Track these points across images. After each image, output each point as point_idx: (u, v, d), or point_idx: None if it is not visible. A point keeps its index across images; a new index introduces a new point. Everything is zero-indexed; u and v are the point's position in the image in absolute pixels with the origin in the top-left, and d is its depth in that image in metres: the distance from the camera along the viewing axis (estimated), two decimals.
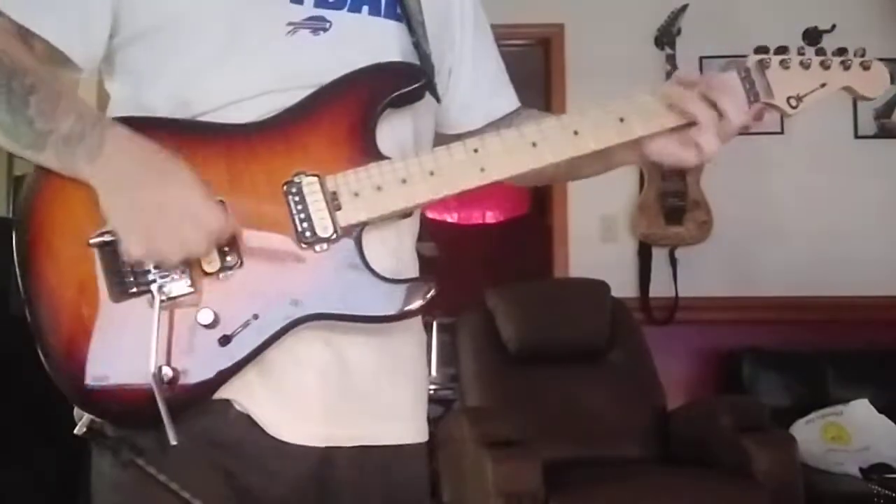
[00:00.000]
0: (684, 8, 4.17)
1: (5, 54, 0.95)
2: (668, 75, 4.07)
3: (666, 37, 4.20)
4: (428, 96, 1.08)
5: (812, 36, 3.95)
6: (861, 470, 3.28)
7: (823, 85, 1.10)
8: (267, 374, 0.98)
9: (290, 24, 1.03)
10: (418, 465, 1.12)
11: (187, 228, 0.91)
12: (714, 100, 1.04)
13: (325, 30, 1.04)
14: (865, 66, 1.11)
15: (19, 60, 0.96)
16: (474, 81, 1.22)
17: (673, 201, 4.16)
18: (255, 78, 1.02)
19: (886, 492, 3.03)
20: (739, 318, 4.13)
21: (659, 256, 4.25)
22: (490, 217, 7.09)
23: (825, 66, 1.10)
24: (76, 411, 1.03)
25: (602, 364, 3.64)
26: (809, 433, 3.50)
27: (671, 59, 4.15)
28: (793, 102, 1.10)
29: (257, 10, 1.03)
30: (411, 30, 1.11)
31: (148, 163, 0.93)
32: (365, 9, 1.08)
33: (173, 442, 0.91)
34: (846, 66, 1.10)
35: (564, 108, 4.20)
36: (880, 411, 3.54)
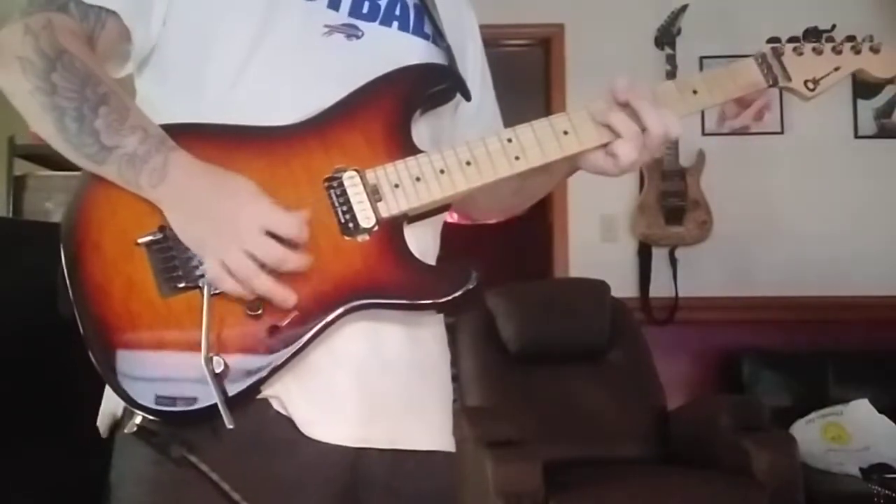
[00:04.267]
0: (684, 8, 4.17)
1: (78, 59, 0.96)
2: (668, 75, 4.08)
3: (666, 37, 4.20)
4: (457, 98, 1.12)
5: (812, 36, 3.95)
6: (861, 470, 3.28)
7: (837, 68, 1.16)
8: (303, 372, 0.98)
9: (326, 26, 1.07)
10: (447, 475, 1.12)
11: (261, 240, 0.92)
12: (637, 111, 1.05)
13: (357, 37, 1.08)
14: (875, 50, 1.17)
15: (92, 67, 0.97)
16: (476, 117, 1.24)
17: (673, 201, 4.17)
18: (289, 73, 1.04)
19: (886, 492, 3.03)
20: (739, 318, 4.14)
21: (659, 256, 4.25)
22: None
23: (836, 50, 1.17)
24: (102, 414, 1.03)
25: (602, 364, 3.64)
26: (809, 433, 3.50)
27: (671, 59, 4.15)
28: (810, 86, 1.15)
29: (296, 9, 1.06)
30: (439, 47, 1.14)
31: (212, 184, 0.95)
32: (395, 24, 1.13)
33: (230, 426, 0.90)
34: (857, 51, 1.17)
35: (564, 108, 4.18)
36: (880, 411, 3.54)
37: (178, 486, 0.96)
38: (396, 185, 1.01)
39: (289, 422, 0.99)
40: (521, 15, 4.28)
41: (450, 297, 1.00)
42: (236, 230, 0.92)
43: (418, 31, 1.14)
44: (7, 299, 2.00)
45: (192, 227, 0.95)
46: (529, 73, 4.51)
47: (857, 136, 4.33)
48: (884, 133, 4.34)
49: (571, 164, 1.13)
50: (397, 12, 1.13)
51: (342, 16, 1.08)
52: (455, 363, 3.55)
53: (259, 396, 0.97)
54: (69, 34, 0.98)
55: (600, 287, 3.77)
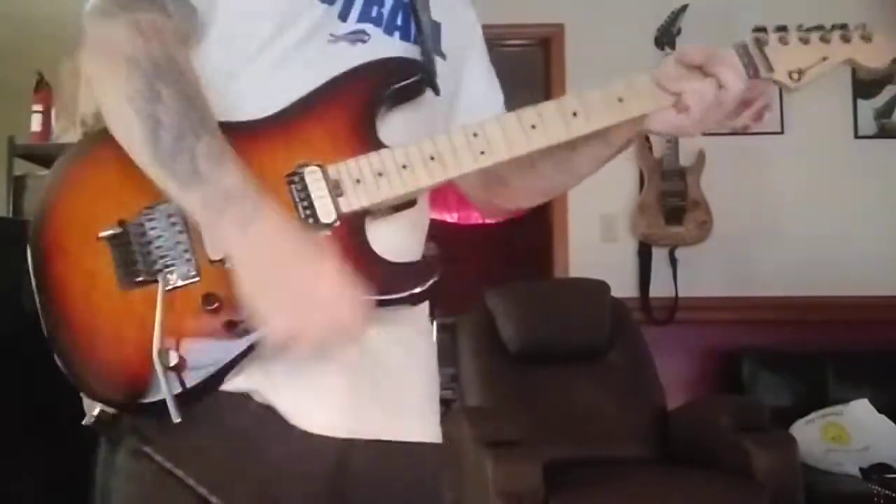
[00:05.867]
0: (684, 8, 4.17)
1: (192, 74, 0.95)
2: None
3: (666, 37, 4.20)
4: (428, 94, 1.10)
5: None
6: (861, 470, 3.28)
7: (825, 58, 1.11)
8: (289, 364, 0.98)
9: (332, 35, 1.07)
10: (434, 467, 1.13)
11: (336, 309, 0.90)
12: (713, 73, 1.06)
13: (363, 41, 1.09)
14: (866, 38, 1.12)
15: (200, 90, 0.95)
16: (483, 108, 1.23)
17: (673, 201, 4.16)
18: (289, 79, 1.04)
19: (886, 492, 3.03)
20: (739, 318, 4.13)
21: (659, 256, 4.25)
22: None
23: (825, 39, 1.12)
24: (86, 405, 1.03)
25: (602, 364, 3.64)
26: (809, 433, 3.50)
27: None
28: (794, 76, 1.11)
29: (305, 18, 1.06)
30: (422, 48, 1.13)
31: (298, 245, 0.92)
32: (396, 34, 1.13)
33: (176, 420, 0.91)
34: (846, 39, 1.12)
35: None
36: (880, 411, 3.54)
37: (157, 478, 0.96)
38: (358, 181, 1.00)
39: (273, 414, 0.99)
40: (521, 15, 4.28)
41: (413, 292, 1.00)
42: (314, 297, 0.90)
43: (406, 36, 1.14)
44: (6, 299, 1.99)
45: (262, 284, 0.91)
46: (529, 73, 4.50)
47: (857, 136, 4.32)
48: (884, 133, 4.34)
49: (634, 127, 1.11)
50: (399, 22, 1.13)
51: (350, 24, 1.08)
52: (455, 363, 3.56)
53: (240, 390, 0.97)
54: (177, 42, 0.97)
55: (600, 287, 3.77)
